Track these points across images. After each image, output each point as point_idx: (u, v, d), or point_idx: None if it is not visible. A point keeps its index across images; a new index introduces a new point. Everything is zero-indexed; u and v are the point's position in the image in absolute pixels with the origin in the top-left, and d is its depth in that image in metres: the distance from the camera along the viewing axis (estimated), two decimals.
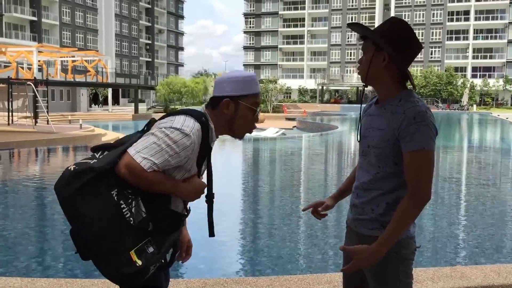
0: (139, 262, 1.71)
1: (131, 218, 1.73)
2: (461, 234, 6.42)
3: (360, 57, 2.03)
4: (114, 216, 1.72)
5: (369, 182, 1.95)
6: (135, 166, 1.71)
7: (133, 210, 1.74)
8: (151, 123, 1.88)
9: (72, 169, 1.77)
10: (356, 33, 2.03)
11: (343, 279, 2.17)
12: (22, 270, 4.76)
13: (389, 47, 1.86)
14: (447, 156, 16.53)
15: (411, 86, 1.95)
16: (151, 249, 1.75)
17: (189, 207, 2.00)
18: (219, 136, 1.95)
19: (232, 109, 1.88)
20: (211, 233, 1.97)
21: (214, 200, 1.94)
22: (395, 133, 1.85)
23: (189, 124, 1.77)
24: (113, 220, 1.72)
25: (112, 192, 1.73)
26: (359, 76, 2.04)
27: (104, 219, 1.72)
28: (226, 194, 8.96)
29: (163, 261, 1.91)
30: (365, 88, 2.08)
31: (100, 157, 1.80)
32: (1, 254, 5.31)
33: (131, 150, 1.74)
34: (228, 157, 15.69)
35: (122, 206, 1.73)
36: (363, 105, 2.17)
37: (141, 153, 1.72)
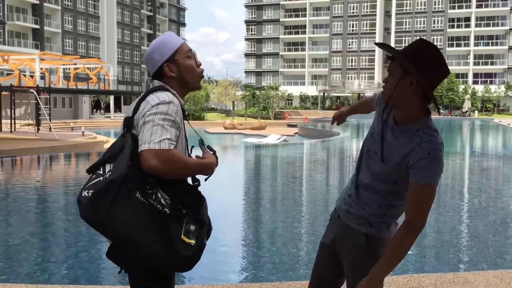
0: (193, 242, 1.84)
1: (165, 209, 1.81)
2: (464, 240, 6.42)
3: (385, 77, 2.03)
4: (151, 215, 1.78)
5: (368, 185, 2.05)
6: (161, 152, 1.79)
7: (162, 202, 1.82)
8: (126, 122, 1.94)
9: (88, 194, 1.77)
10: (373, 43, 2.11)
11: (315, 269, 2.27)
12: (26, 276, 4.77)
13: (418, 73, 1.86)
14: (449, 162, 16.52)
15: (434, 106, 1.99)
16: (192, 227, 1.86)
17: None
18: (184, 102, 2.08)
19: (175, 69, 2.01)
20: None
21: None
22: (405, 159, 1.93)
23: (163, 95, 1.91)
24: (153, 219, 1.78)
25: (136, 195, 1.78)
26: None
27: (145, 223, 1.77)
28: (229, 200, 8.97)
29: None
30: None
31: (108, 171, 1.81)
32: (6, 260, 5.33)
33: (145, 145, 1.80)
34: (230, 164, 15.70)
35: (152, 203, 1.79)
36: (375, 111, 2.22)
37: (154, 141, 1.80)
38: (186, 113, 2.05)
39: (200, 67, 2.10)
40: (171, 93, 1.97)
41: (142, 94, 2.02)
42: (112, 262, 1.93)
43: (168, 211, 1.82)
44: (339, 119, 2.60)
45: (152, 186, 1.82)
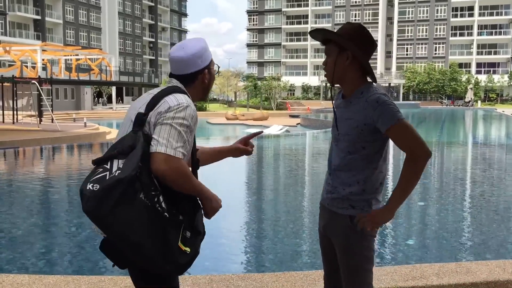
0: (188, 250, 1.87)
1: (165, 214, 1.81)
2: (467, 230, 6.42)
3: (324, 60, 2.27)
4: (152, 218, 1.78)
5: (341, 164, 2.23)
6: (173, 159, 1.81)
7: (162, 205, 1.81)
8: (138, 119, 1.91)
9: (93, 187, 1.75)
10: (308, 32, 2.32)
11: (323, 261, 2.45)
12: (29, 267, 4.79)
13: (355, 47, 2.13)
14: (452, 152, 16.49)
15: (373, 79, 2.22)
16: (188, 234, 1.88)
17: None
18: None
19: (208, 77, 2.09)
20: None
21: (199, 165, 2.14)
22: (362, 120, 2.13)
23: (182, 98, 1.93)
24: (153, 222, 1.78)
25: (140, 196, 1.76)
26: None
27: (146, 225, 1.77)
28: (231, 191, 8.98)
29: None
30: (333, 87, 2.32)
31: (117, 168, 1.79)
32: (9, 251, 5.35)
33: (162, 148, 1.81)
34: None
35: (155, 206, 1.78)
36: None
37: (172, 147, 1.82)
38: None
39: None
40: (188, 95, 1.99)
41: (157, 92, 1.98)
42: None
43: (167, 216, 1.81)
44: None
45: (156, 189, 1.81)
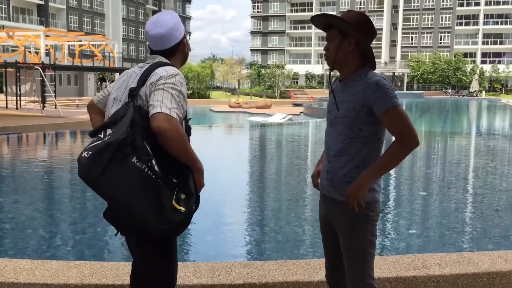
0: (183, 209, 1.97)
1: (159, 176, 1.93)
2: (469, 220, 6.41)
3: (325, 45, 2.33)
4: (144, 180, 1.90)
5: (339, 149, 2.26)
6: (172, 119, 1.93)
7: (155, 169, 1.92)
8: (130, 92, 2.07)
9: (87, 155, 1.88)
10: (310, 18, 2.42)
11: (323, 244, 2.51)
12: (32, 252, 4.82)
13: (358, 33, 2.18)
14: (454, 142, 16.45)
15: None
16: (183, 196, 2.00)
17: None
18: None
19: (184, 47, 2.25)
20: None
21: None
22: (360, 101, 2.17)
23: (171, 69, 2.09)
24: (145, 184, 1.90)
25: (133, 160, 1.89)
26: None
27: (137, 186, 1.88)
28: (234, 179, 8.99)
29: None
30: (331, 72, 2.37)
31: (107, 134, 1.93)
32: (12, 236, 5.38)
33: (158, 108, 1.94)
34: (234, 142, 15.70)
35: (146, 170, 1.90)
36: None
37: (166, 106, 1.95)
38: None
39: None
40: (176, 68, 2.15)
41: (146, 67, 2.13)
42: (117, 239, 2.00)
43: (161, 178, 1.93)
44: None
45: (149, 154, 1.92)
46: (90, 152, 1.88)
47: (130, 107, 1.99)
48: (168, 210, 1.92)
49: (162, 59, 2.17)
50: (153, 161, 1.92)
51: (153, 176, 1.90)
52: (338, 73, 2.42)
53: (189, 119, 2.24)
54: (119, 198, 1.88)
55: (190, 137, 2.21)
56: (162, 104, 1.95)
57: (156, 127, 1.91)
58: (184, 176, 2.04)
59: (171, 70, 2.08)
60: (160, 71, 2.06)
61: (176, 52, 2.21)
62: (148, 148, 1.92)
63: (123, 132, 1.89)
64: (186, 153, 2.01)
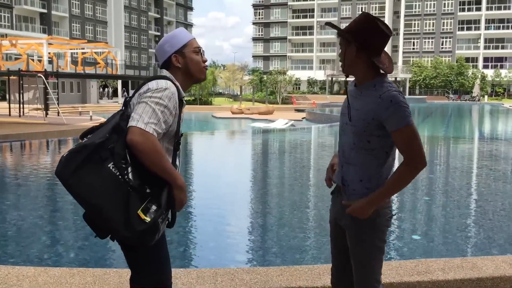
0: (148, 219, 1.96)
1: (130, 184, 1.96)
2: (472, 225, 6.39)
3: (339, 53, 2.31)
4: (116, 186, 1.94)
5: (348, 156, 2.26)
6: (146, 134, 1.98)
7: (130, 177, 1.96)
8: (124, 102, 2.14)
9: (65, 155, 1.98)
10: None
11: (331, 245, 2.50)
12: (35, 259, 4.81)
13: (356, 41, 2.14)
14: (458, 147, 16.41)
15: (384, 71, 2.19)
16: (153, 207, 1.99)
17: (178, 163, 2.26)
18: (186, 92, 2.28)
19: (181, 60, 2.21)
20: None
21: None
22: (371, 114, 2.13)
23: (162, 82, 2.10)
24: (117, 190, 1.94)
25: (108, 165, 1.95)
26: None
27: (108, 191, 1.94)
28: (236, 185, 8.98)
29: (168, 219, 2.17)
30: (347, 79, 2.35)
31: (89, 137, 2.03)
32: (15, 243, 5.38)
33: (134, 122, 1.98)
34: (237, 148, 15.69)
35: (121, 176, 1.95)
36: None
37: (143, 121, 1.98)
38: (184, 103, 2.22)
39: (206, 63, 2.30)
40: (173, 83, 2.14)
41: (148, 77, 2.20)
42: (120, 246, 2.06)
43: (133, 186, 1.96)
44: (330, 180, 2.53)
45: (127, 161, 1.97)
46: (67, 152, 1.97)
47: (118, 114, 2.07)
48: (132, 218, 1.94)
49: (166, 73, 2.21)
50: (129, 169, 1.96)
51: (124, 183, 1.95)
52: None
53: (181, 134, 2.24)
54: (89, 200, 1.94)
55: (178, 152, 2.22)
56: (140, 118, 1.98)
57: (129, 140, 1.96)
58: (160, 187, 2.04)
59: (162, 83, 2.09)
60: (151, 84, 2.09)
61: (171, 66, 2.22)
62: (128, 156, 1.97)
63: (101, 136, 1.98)
64: (160, 168, 2.01)
